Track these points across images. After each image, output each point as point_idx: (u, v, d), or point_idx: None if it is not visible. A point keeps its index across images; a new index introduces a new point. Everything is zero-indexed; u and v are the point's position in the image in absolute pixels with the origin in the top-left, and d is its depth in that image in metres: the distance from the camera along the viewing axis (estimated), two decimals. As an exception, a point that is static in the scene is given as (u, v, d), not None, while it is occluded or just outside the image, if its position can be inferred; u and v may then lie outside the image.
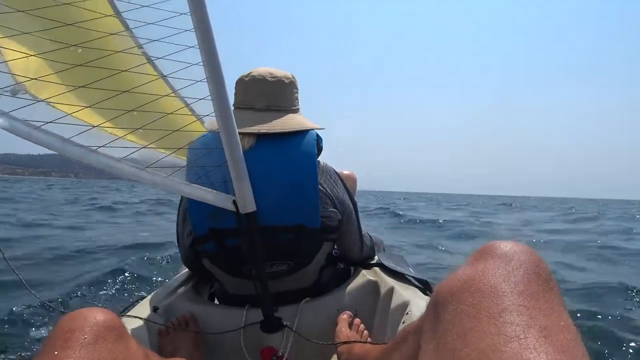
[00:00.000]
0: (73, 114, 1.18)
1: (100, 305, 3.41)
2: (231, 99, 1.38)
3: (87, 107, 1.22)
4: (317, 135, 1.58)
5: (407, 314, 1.43)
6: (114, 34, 1.29)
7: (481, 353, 0.53)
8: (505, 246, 0.68)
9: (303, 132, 1.55)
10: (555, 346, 0.52)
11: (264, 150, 1.47)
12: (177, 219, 1.67)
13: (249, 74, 1.58)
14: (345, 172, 1.79)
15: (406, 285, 1.68)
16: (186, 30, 1.16)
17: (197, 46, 1.17)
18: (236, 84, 1.60)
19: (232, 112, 1.24)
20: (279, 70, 1.62)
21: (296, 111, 1.65)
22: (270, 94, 1.57)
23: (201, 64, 1.19)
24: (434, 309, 0.67)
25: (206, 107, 1.24)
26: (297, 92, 1.67)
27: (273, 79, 1.57)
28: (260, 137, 1.49)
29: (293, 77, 1.64)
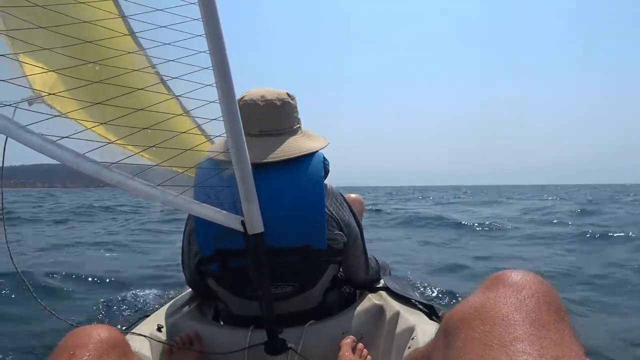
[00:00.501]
0: (89, 129, 1.20)
1: (104, 321, 3.41)
2: None
3: (101, 123, 1.24)
4: (324, 157, 1.57)
5: (412, 339, 1.42)
6: (130, 52, 1.31)
7: None
8: (517, 275, 0.69)
9: (310, 155, 1.54)
10: None
11: (270, 173, 1.47)
12: (183, 240, 1.67)
13: (242, 98, 1.54)
14: (352, 195, 1.79)
15: (412, 309, 1.66)
16: (200, 52, 1.19)
17: (211, 68, 1.19)
18: None
19: (243, 133, 1.25)
20: (273, 90, 1.58)
21: (295, 132, 1.61)
22: (264, 119, 1.54)
23: (214, 85, 1.21)
24: (444, 335, 0.68)
25: (217, 129, 1.26)
26: (295, 111, 1.63)
27: (264, 103, 1.53)
28: (260, 165, 1.46)
29: (288, 96, 1.59)
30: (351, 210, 1.67)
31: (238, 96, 1.55)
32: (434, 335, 1.38)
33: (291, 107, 1.61)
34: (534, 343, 0.57)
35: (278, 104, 1.55)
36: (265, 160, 1.47)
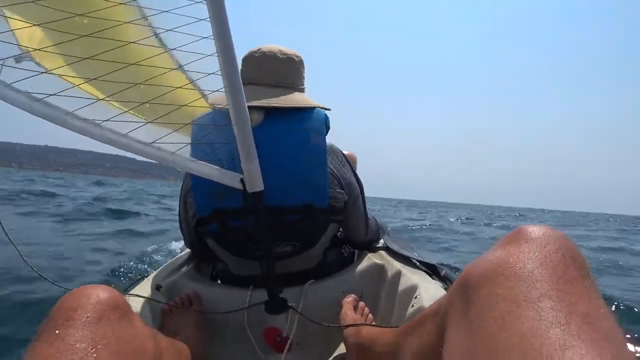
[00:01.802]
0: (78, 87, 1.15)
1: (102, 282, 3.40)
2: None
3: (92, 79, 1.19)
4: (326, 114, 1.55)
5: (415, 297, 1.41)
6: (121, 3, 1.25)
7: (522, 338, 0.50)
8: (540, 230, 0.66)
9: (312, 110, 1.52)
10: (598, 333, 0.50)
11: (272, 126, 1.44)
12: (180, 200, 1.64)
13: (258, 50, 1.55)
14: (346, 152, 1.76)
15: (413, 269, 1.66)
16: (197, 2, 1.13)
17: (208, 19, 1.14)
18: (244, 60, 1.57)
19: (242, 88, 1.21)
20: (288, 48, 1.59)
21: (303, 90, 1.62)
22: (281, 70, 1.54)
23: (211, 37, 1.15)
24: (462, 292, 0.65)
25: (214, 84, 1.21)
26: (304, 72, 1.65)
27: (284, 56, 1.54)
28: (269, 113, 1.46)
29: (301, 57, 1.61)
30: (352, 169, 1.65)
31: (250, 50, 1.57)
32: (436, 293, 1.37)
33: (303, 67, 1.63)
34: (562, 299, 0.54)
35: (296, 59, 1.58)
36: (275, 104, 1.46)
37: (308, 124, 1.48)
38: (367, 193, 1.72)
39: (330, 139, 1.55)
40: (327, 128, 1.53)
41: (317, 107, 1.53)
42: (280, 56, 1.54)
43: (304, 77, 1.64)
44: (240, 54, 1.40)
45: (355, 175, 1.66)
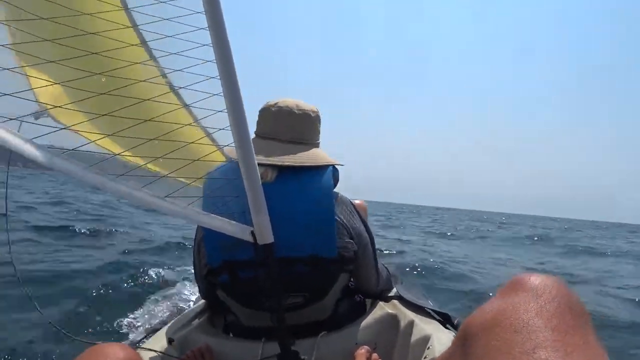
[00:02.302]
0: (95, 142, 1.19)
1: (114, 338, 3.37)
2: (252, 128, 1.37)
3: (107, 135, 1.23)
4: (333, 166, 1.58)
5: (428, 348, 1.40)
6: (138, 63, 1.30)
7: None
8: (536, 279, 0.66)
9: (321, 166, 1.55)
10: None
11: (284, 183, 1.47)
12: (193, 250, 1.66)
13: (275, 104, 1.58)
14: (357, 201, 1.77)
15: (426, 318, 1.64)
16: (208, 61, 1.17)
17: (218, 77, 1.18)
18: (261, 112, 1.60)
19: (251, 143, 1.24)
20: (305, 103, 1.62)
21: (317, 145, 1.65)
22: (297, 127, 1.57)
23: (221, 94, 1.19)
24: (461, 344, 0.65)
25: (227, 138, 1.24)
26: (320, 127, 1.67)
27: (300, 112, 1.57)
28: (281, 170, 1.49)
29: (318, 112, 1.64)
30: (361, 219, 1.66)
31: (267, 102, 1.60)
32: (449, 343, 1.36)
33: (319, 122, 1.66)
34: (558, 349, 0.54)
35: (312, 115, 1.60)
36: (290, 163, 1.48)
37: (317, 180, 1.51)
38: (374, 198, 1.71)
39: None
40: (336, 180, 1.56)
41: (328, 164, 1.56)
42: (297, 112, 1.56)
43: (319, 132, 1.66)
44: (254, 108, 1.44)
45: (365, 224, 1.67)
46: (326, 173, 1.53)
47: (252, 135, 1.58)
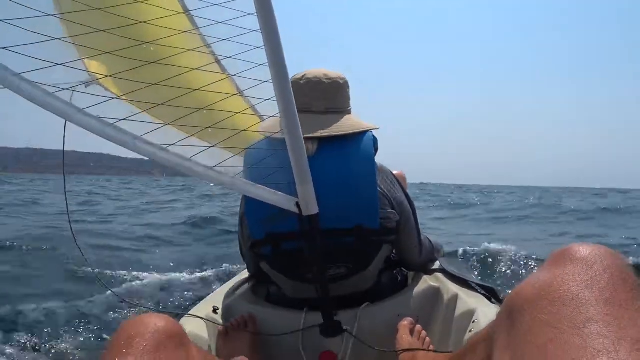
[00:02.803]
0: (142, 113, 1.20)
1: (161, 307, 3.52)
2: None
3: (156, 105, 1.23)
4: (373, 135, 1.56)
5: (473, 322, 1.38)
6: (184, 31, 1.30)
7: None
8: (586, 249, 0.63)
9: (361, 134, 1.53)
10: None
11: (325, 154, 1.46)
12: (239, 222, 1.67)
13: (303, 76, 1.56)
14: (396, 172, 1.75)
15: (471, 292, 1.62)
16: (252, 31, 1.16)
17: (263, 47, 1.17)
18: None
19: (296, 113, 1.23)
20: (331, 71, 1.60)
21: (350, 112, 1.64)
22: (328, 96, 1.55)
23: (266, 64, 1.18)
24: (507, 317, 0.63)
25: (271, 109, 1.24)
26: (349, 92, 1.65)
27: (329, 81, 1.56)
28: (321, 141, 1.48)
29: (345, 78, 1.62)
30: (402, 189, 1.64)
31: (294, 76, 1.57)
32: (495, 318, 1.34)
33: (348, 88, 1.64)
34: (611, 324, 0.51)
35: (341, 82, 1.59)
36: (328, 134, 1.48)
37: (358, 148, 1.50)
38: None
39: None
40: (376, 149, 1.54)
41: (366, 130, 1.54)
42: (326, 81, 1.55)
43: (349, 98, 1.65)
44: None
45: (406, 194, 1.65)
46: (365, 141, 1.52)
47: None
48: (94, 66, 1.31)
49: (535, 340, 0.54)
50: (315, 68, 1.60)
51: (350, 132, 1.51)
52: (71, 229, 1.39)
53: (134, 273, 4.68)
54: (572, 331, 0.52)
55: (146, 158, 1.13)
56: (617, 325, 0.51)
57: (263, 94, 1.26)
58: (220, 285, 1.93)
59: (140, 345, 0.76)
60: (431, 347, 1.40)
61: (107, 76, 1.20)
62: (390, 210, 1.52)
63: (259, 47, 1.17)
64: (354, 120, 1.58)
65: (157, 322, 0.83)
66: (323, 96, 1.54)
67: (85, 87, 1.22)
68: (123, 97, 1.18)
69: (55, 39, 1.04)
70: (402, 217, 1.58)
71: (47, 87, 0.98)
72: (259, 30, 1.16)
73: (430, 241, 1.90)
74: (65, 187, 1.35)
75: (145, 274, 4.68)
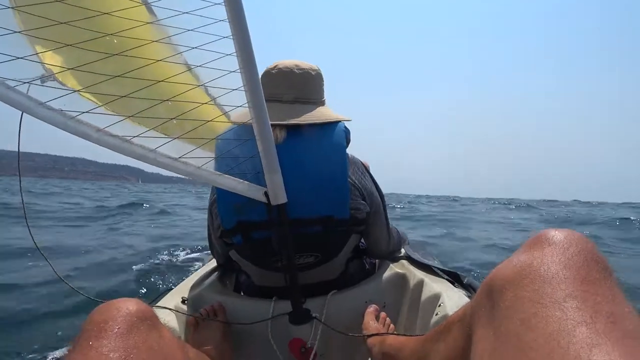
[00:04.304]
0: (104, 106, 1.18)
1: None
2: None
3: (116, 98, 1.22)
4: (345, 127, 1.57)
5: (439, 306, 1.42)
6: (147, 23, 1.28)
7: (549, 337, 0.52)
8: (561, 234, 0.68)
9: (332, 124, 1.54)
10: (624, 332, 0.52)
11: (294, 142, 1.47)
12: (208, 212, 1.67)
13: (275, 67, 1.57)
14: (361, 161, 1.78)
15: (435, 277, 1.66)
16: (220, 21, 1.16)
17: (231, 37, 1.17)
18: (261, 77, 1.58)
19: (264, 102, 1.24)
20: (305, 62, 1.61)
21: (323, 103, 1.64)
22: (298, 86, 1.56)
23: (234, 54, 1.18)
24: (487, 296, 0.67)
25: (238, 100, 1.24)
26: (323, 84, 1.66)
27: (300, 71, 1.56)
28: (290, 130, 1.49)
29: (319, 69, 1.62)
30: (373, 180, 1.66)
31: (267, 67, 1.58)
32: (460, 301, 1.39)
33: (322, 79, 1.64)
34: (587, 299, 0.56)
35: (313, 73, 1.59)
36: (296, 121, 1.48)
37: (329, 138, 1.50)
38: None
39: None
40: (348, 141, 1.55)
41: (337, 120, 1.55)
42: (297, 71, 1.55)
43: (323, 90, 1.65)
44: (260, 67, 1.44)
45: (376, 185, 1.67)
46: (336, 131, 1.52)
47: None
48: (49, 59, 1.28)
49: (519, 315, 0.58)
50: (289, 59, 1.60)
51: (320, 121, 1.51)
52: (28, 229, 1.36)
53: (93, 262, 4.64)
54: (554, 305, 0.56)
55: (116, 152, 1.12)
56: (593, 300, 0.56)
57: (231, 84, 1.27)
58: (189, 276, 1.92)
59: (113, 328, 0.77)
60: (395, 332, 1.44)
61: (67, 69, 1.18)
62: (361, 201, 1.54)
63: (226, 37, 1.17)
64: (325, 111, 1.59)
65: (128, 305, 0.83)
66: (293, 86, 1.55)
67: (42, 82, 1.20)
68: (83, 91, 1.16)
69: (12, 32, 1.02)
70: (372, 208, 1.60)
71: (6, 80, 0.96)
72: (227, 20, 1.15)
73: (397, 231, 1.94)
74: (21, 186, 1.32)
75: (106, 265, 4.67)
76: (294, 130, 1.49)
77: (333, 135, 1.51)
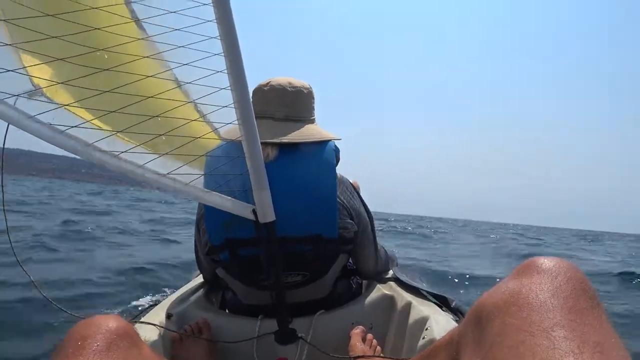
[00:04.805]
0: (93, 121, 1.17)
1: (112, 311, 3.43)
2: None
3: (104, 114, 1.21)
4: (335, 146, 1.57)
5: (426, 329, 1.41)
6: (135, 39, 1.28)
7: None
8: (550, 262, 0.68)
9: (322, 143, 1.54)
10: None
11: (285, 160, 1.47)
12: (195, 227, 1.66)
13: (267, 84, 1.57)
14: (351, 180, 1.79)
15: (423, 300, 1.65)
16: (212, 38, 1.16)
17: (222, 54, 1.17)
18: (254, 93, 1.59)
19: (254, 120, 1.24)
20: (297, 80, 1.61)
21: (313, 121, 1.64)
22: (290, 104, 1.56)
23: (225, 71, 1.18)
24: (475, 322, 0.67)
25: (228, 117, 1.24)
26: (314, 103, 1.66)
27: (293, 89, 1.56)
28: (280, 148, 1.48)
29: (310, 88, 1.63)
30: (361, 199, 1.66)
31: (259, 83, 1.59)
32: (448, 325, 1.38)
33: (313, 97, 1.65)
34: (575, 329, 0.56)
35: (305, 92, 1.59)
36: (288, 140, 1.48)
37: (318, 157, 1.50)
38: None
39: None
40: (337, 159, 1.55)
41: (327, 139, 1.55)
42: (290, 89, 1.55)
43: (313, 108, 1.65)
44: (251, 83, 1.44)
45: (364, 205, 1.67)
46: (326, 150, 1.53)
47: None
48: (38, 72, 1.27)
49: (506, 342, 0.58)
50: (282, 76, 1.60)
51: (311, 140, 1.51)
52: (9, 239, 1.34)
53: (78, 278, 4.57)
54: (541, 334, 0.56)
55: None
56: (580, 330, 0.56)
57: (221, 101, 1.27)
58: (174, 292, 1.90)
59: (91, 346, 0.76)
60: (381, 355, 1.43)
61: (56, 83, 1.17)
62: (349, 221, 1.53)
63: (217, 54, 1.17)
64: (316, 130, 1.59)
65: (108, 322, 0.82)
66: (285, 104, 1.55)
67: (29, 96, 1.18)
68: (73, 105, 1.15)
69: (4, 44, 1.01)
70: (360, 228, 1.60)
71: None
72: (218, 37, 1.16)
73: (385, 251, 1.93)
74: (2, 188, 1.30)
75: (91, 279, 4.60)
76: (285, 148, 1.49)
77: (323, 153, 1.52)
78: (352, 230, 1.54)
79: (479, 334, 0.64)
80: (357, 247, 1.64)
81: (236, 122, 1.22)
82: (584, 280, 0.65)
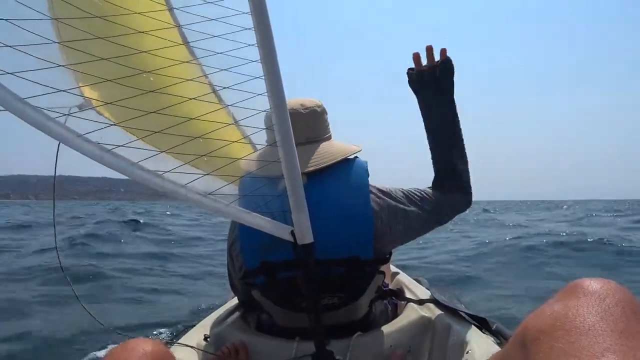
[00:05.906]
0: (139, 139, 1.21)
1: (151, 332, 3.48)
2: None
3: (152, 133, 1.24)
4: (365, 162, 1.57)
5: (467, 352, 1.38)
6: (181, 62, 1.32)
7: None
8: (597, 283, 0.66)
9: (350, 161, 1.54)
10: None
11: (315, 183, 1.47)
12: (227, 251, 1.67)
13: None
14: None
15: (463, 322, 1.61)
16: (252, 62, 1.18)
17: (263, 77, 1.19)
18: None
19: (293, 141, 1.25)
20: (307, 99, 1.60)
21: (330, 137, 1.64)
22: (307, 126, 1.55)
23: (266, 94, 1.20)
24: (520, 346, 0.65)
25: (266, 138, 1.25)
26: (328, 118, 1.66)
27: (306, 110, 1.55)
28: (309, 173, 1.48)
29: (322, 104, 1.62)
30: (392, 195, 1.60)
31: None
32: (489, 348, 1.35)
33: (326, 114, 1.64)
34: (626, 354, 0.54)
35: (319, 110, 1.59)
36: (314, 168, 1.48)
37: (349, 178, 1.50)
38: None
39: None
40: (367, 174, 1.54)
41: (352, 153, 1.55)
42: (303, 111, 1.55)
43: (328, 124, 1.65)
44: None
45: (396, 198, 1.60)
46: (356, 169, 1.52)
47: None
48: (90, 92, 1.32)
49: None
50: (291, 98, 1.58)
51: (338, 159, 1.51)
52: (58, 256, 1.38)
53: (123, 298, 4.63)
54: None
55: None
56: (632, 355, 0.54)
57: (261, 123, 1.29)
58: (210, 313, 1.91)
59: None
60: None
61: (106, 103, 1.21)
62: (384, 228, 1.51)
63: (258, 77, 1.20)
64: (337, 146, 1.58)
65: (144, 346, 0.83)
66: (302, 127, 1.53)
67: (80, 109, 1.23)
68: (121, 124, 1.19)
69: (58, 65, 1.05)
70: (404, 219, 1.56)
71: (48, 111, 1.00)
72: (259, 61, 1.18)
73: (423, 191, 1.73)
74: (54, 213, 1.35)
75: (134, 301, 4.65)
76: (313, 173, 1.49)
77: (352, 173, 1.51)
78: (387, 253, 1.55)
79: (525, 358, 0.63)
80: (412, 224, 1.59)
81: (275, 144, 1.24)
82: (634, 301, 0.63)
